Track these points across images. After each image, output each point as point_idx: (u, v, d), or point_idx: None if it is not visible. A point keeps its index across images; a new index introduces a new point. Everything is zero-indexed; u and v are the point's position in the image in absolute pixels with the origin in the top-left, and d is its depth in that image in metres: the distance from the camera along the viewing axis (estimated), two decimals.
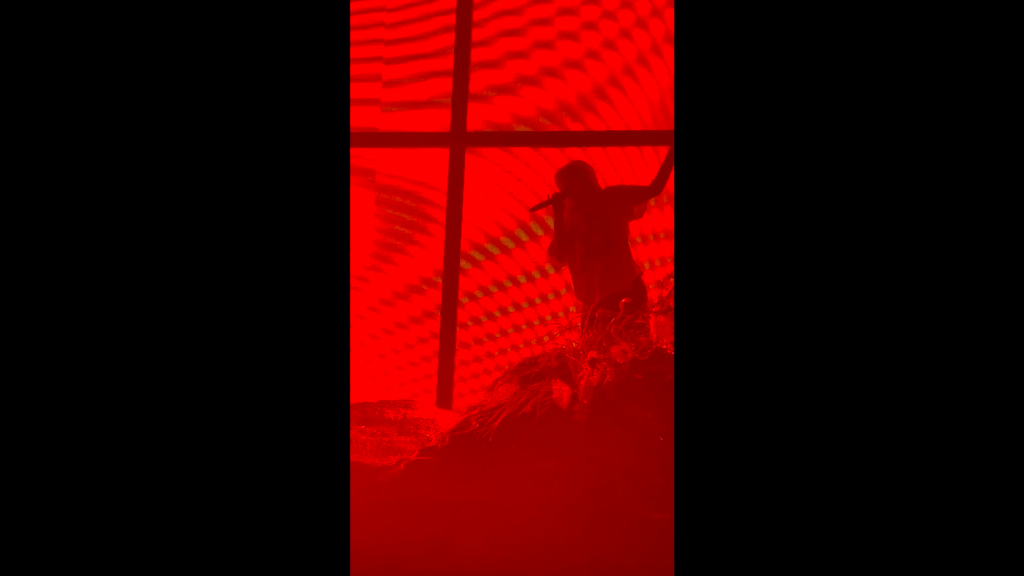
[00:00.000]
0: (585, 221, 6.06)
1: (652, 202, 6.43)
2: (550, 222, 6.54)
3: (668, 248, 6.84)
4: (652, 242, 6.88)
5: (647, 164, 6.94)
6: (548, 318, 6.90)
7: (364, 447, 5.50)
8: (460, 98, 6.97)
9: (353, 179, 7.05)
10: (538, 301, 7.07)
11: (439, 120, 7.09)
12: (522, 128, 7.09)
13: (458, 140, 6.97)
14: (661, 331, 5.36)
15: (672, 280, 5.48)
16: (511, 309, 7.10)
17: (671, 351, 5.34)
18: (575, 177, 6.11)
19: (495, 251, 7.12)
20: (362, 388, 6.97)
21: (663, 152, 6.70)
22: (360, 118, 7.20)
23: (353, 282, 7.01)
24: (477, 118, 7.09)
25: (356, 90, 7.17)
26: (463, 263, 7.03)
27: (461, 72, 6.98)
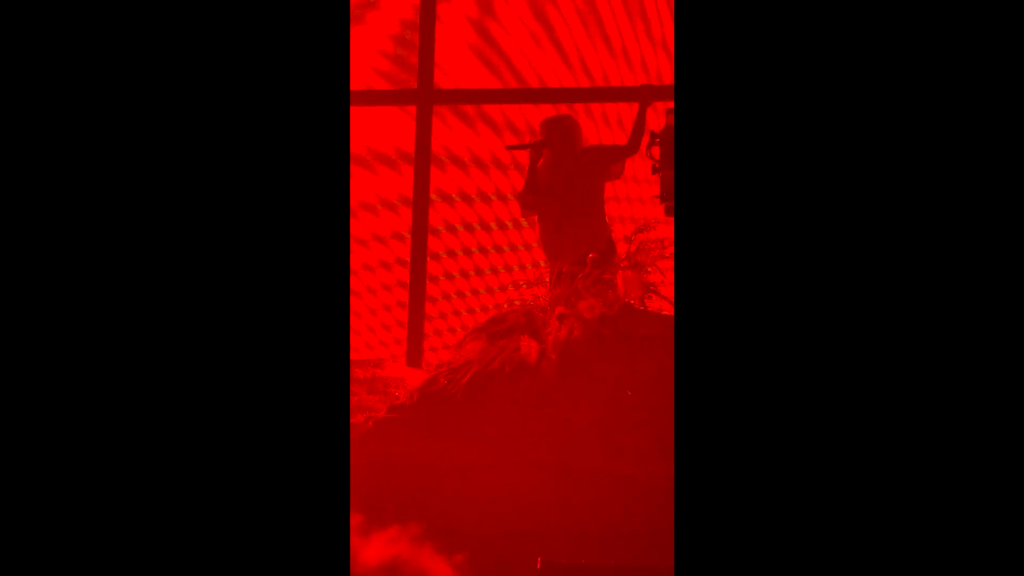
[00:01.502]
0: (564, 180, 6.04)
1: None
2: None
3: (639, 209, 6.86)
4: (625, 202, 6.89)
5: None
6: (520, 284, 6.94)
7: None
8: (427, 55, 6.95)
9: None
10: (514, 268, 7.10)
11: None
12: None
13: (425, 97, 6.95)
14: (628, 286, 5.37)
15: (640, 235, 5.49)
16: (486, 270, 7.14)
17: (639, 306, 5.36)
18: (561, 131, 6.05)
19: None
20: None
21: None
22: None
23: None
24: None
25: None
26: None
27: (427, 29, 6.96)
